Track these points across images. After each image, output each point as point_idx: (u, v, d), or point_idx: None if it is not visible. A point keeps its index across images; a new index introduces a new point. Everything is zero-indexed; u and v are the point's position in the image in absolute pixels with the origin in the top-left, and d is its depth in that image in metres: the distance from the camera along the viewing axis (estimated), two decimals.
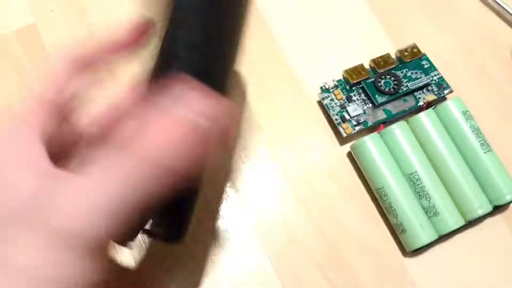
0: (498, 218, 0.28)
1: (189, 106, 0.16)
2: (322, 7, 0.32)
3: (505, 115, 0.31)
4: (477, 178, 0.27)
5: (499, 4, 0.33)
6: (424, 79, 0.29)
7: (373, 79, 0.29)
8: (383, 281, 0.27)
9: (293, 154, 0.29)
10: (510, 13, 0.33)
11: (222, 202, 0.28)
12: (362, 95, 0.29)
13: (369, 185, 0.28)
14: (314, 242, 0.27)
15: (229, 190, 0.28)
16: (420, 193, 0.27)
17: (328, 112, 0.29)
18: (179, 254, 0.26)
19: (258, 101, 0.30)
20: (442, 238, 0.27)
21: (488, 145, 0.27)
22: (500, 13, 0.33)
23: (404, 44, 0.30)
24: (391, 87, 0.29)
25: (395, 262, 0.27)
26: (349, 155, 0.29)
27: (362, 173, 0.28)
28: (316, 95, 0.30)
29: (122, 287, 0.23)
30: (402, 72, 0.29)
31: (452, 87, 0.30)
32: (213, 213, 0.27)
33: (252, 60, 0.31)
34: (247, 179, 0.28)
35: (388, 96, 0.29)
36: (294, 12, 0.32)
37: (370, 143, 0.27)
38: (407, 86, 0.29)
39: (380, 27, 0.32)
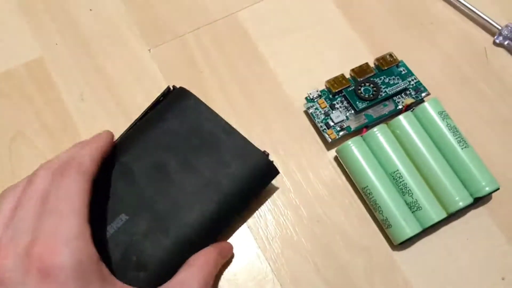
0: (481, 210, 0.30)
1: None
2: (303, 24, 0.35)
3: (481, 114, 0.33)
4: (456, 173, 0.29)
5: (470, 8, 0.35)
6: (401, 84, 0.31)
7: (353, 87, 0.31)
8: (374, 275, 0.28)
9: (283, 161, 0.31)
10: (481, 17, 0.35)
11: None
12: (344, 102, 0.31)
13: (355, 186, 0.30)
14: (308, 243, 0.29)
15: None
16: (403, 189, 0.28)
17: (314, 120, 0.31)
18: None
19: (249, 113, 0.32)
20: (429, 231, 0.29)
21: (465, 141, 0.29)
22: (472, 17, 0.35)
23: (381, 53, 0.33)
24: (370, 93, 0.31)
25: (385, 256, 0.29)
26: (336, 159, 0.31)
27: (348, 175, 0.30)
28: (302, 105, 0.32)
29: None
30: (380, 79, 0.32)
31: (430, 90, 0.32)
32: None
33: (243, 77, 0.33)
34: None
35: (368, 102, 0.31)
36: (278, 31, 0.35)
37: (354, 146, 0.29)
38: (385, 91, 0.31)
39: (357, 39, 0.34)
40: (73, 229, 0.20)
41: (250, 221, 0.29)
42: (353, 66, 0.32)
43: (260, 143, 0.31)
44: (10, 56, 0.33)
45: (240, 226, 0.29)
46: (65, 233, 0.19)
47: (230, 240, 0.29)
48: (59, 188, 0.21)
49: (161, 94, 0.28)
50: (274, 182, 0.30)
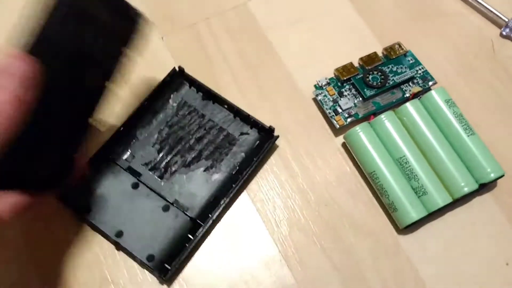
0: (486, 196, 0.31)
1: None
2: (313, 14, 0.36)
3: (487, 104, 0.33)
4: (462, 159, 0.29)
5: (477, 1, 0.35)
6: (409, 73, 0.32)
7: (361, 75, 0.32)
8: (380, 258, 0.29)
9: (293, 147, 0.32)
10: (488, 9, 0.35)
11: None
12: (353, 90, 0.32)
13: (362, 171, 0.31)
14: (315, 227, 0.30)
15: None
16: (409, 175, 0.29)
17: (322, 107, 0.32)
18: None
19: (259, 100, 0.33)
20: (434, 216, 0.29)
21: (471, 129, 0.30)
22: (479, 9, 0.36)
23: (389, 43, 0.33)
24: (378, 81, 0.32)
25: (390, 240, 0.29)
26: (343, 145, 0.32)
27: (355, 160, 0.31)
28: (311, 93, 0.33)
29: None
30: (388, 68, 0.32)
31: (436, 80, 0.32)
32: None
33: (252, 65, 0.34)
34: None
35: (376, 89, 0.31)
36: (288, 19, 0.35)
37: (361, 132, 0.30)
38: (393, 80, 0.32)
39: (366, 28, 0.35)
40: None
41: (259, 204, 0.30)
42: (361, 55, 0.33)
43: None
44: None
45: (249, 208, 0.30)
46: None
47: (238, 221, 0.30)
48: None
49: (167, 75, 0.30)
50: (282, 165, 0.31)
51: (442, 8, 0.36)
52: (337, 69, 0.32)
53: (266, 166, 0.31)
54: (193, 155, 0.31)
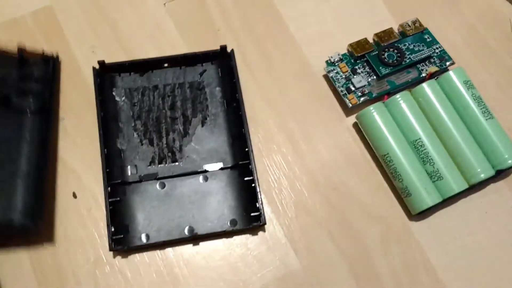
0: (501, 183, 0.29)
1: None
2: None
3: (504, 86, 0.32)
4: (479, 144, 0.28)
5: None
6: (426, 52, 0.30)
7: (376, 52, 0.30)
8: (391, 245, 0.28)
9: (300, 126, 0.30)
10: None
11: None
12: (367, 67, 0.30)
13: (374, 154, 0.29)
14: (323, 210, 0.28)
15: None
16: (424, 158, 0.28)
17: (334, 84, 0.30)
18: None
19: (267, 76, 0.31)
20: (446, 202, 0.28)
21: (489, 112, 0.28)
22: None
23: (404, 19, 0.31)
24: (394, 59, 0.30)
25: (401, 226, 0.28)
26: (354, 125, 0.30)
27: (367, 142, 0.29)
28: (321, 70, 0.31)
29: None
30: (404, 45, 0.30)
31: (453, 59, 0.31)
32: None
33: (261, 38, 0.32)
34: (258, 151, 0.29)
35: (391, 68, 0.30)
36: None
37: (375, 112, 0.28)
38: (409, 58, 0.30)
39: (381, 3, 0.33)
40: None
41: (264, 184, 0.28)
42: (375, 31, 0.31)
43: (277, 106, 0.30)
44: (18, 4, 0.31)
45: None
46: None
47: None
48: None
49: (94, 76, 0.29)
50: (291, 146, 0.29)
51: None
52: (350, 45, 0.30)
53: (273, 146, 0.29)
54: (182, 122, 0.29)
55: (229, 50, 0.30)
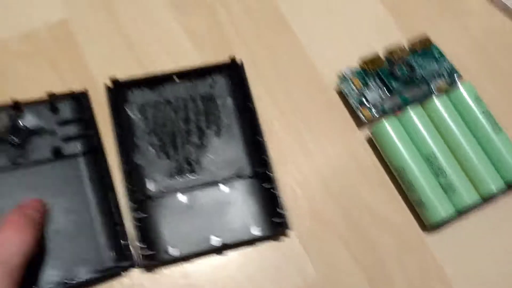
0: None
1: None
2: (336, 1, 0.34)
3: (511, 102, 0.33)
4: (489, 157, 0.29)
5: (503, 2, 0.35)
6: (436, 68, 0.31)
7: (388, 68, 0.31)
8: (405, 256, 0.28)
9: (314, 137, 0.30)
10: None
11: None
12: (379, 82, 0.31)
13: (388, 167, 0.30)
14: (338, 220, 0.29)
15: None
16: (437, 171, 0.28)
17: (347, 98, 0.30)
18: None
19: (279, 88, 0.31)
20: (459, 215, 0.29)
21: (498, 127, 0.29)
22: (504, 6, 0.35)
23: (414, 35, 0.32)
24: (406, 75, 0.31)
25: (415, 237, 0.29)
26: (367, 138, 0.31)
27: (380, 155, 0.30)
28: (333, 84, 0.32)
29: None
30: (415, 61, 0.31)
31: (462, 75, 0.32)
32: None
33: (272, 50, 0.32)
34: (272, 160, 0.29)
35: (403, 83, 0.30)
36: (309, 5, 0.34)
37: (389, 126, 0.29)
38: (420, 73, 0.31)
39: (390, 18, 0.34)
40: None
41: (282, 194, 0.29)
42: (385, 45, 0.32)
43: (289, 117, 0.31)
44: (33, 16, 0.32)
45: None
46: None
47: None
48: None
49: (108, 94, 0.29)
50: (304, 157, 0.30)
51: (468, 5, 0.35)
52: (363, 60, 0.31)
53: (287, 156, 0.30)
54: (196, 134, 0.29)
55: (240, 61, 0.30)
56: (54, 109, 0.29)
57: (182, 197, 0.28)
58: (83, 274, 0.25)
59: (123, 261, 0.26)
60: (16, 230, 0.22)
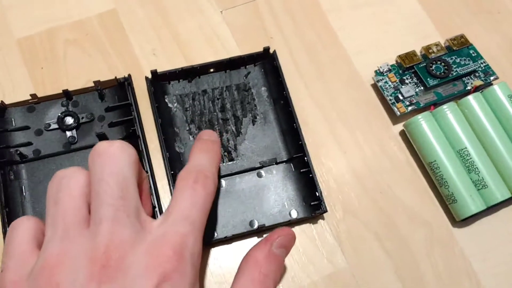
0: None
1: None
2: (375, 0, 0.35)
3: None
4: None
5: None
6: (471, 66, 0.32)
7: (425, 64, 0.31)
8: (435, 249, 0.29)
9: (349, 130, 0.31)
10: None
11: None
12: (414, 78, 0.31)
13: (420, 161, 0.30)
14: (369, 213, 0.29)
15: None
16: (469, 167, 0.29)
17: (383, 93, 0.31)
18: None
19: (317, 82, 0.32)
20: (490, 211, 0.29)
21: None
22: None
23: (450, 34, 0.33)
24: (441, 71, 0.31)
25: (445, 232, 0.29)
26: (401, 133, 0.31)
27: (413, 150, 0.30)
28: (369, 79, 0.32)
29: None
30: (451, 59, 0.32)
31: (497, 75, 0.32)
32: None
33: (312, 46, 0.33)
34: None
35: (439, 80, 0.31)
36: (349, 4, 0.35)
37: (423, 121, 0.29)
38: (456, 71, 0.31)
39: (427, 18, 0.35)
40: (198, 243, 0.20)
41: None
42: (422, 44, 0.32)
43: (325, 110, 0.32)
44: (86, 5, 0.33)
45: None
46: (191, 245, 0.19)
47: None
48: (197, 196, 0.20)
49: (148, 86, 0.30)
50: (339, 150, 0.31)
51: (502, 5, 0.36)
52: (399, 56, 0.32)
53: (321, 148, 0.31)
54: (233, 122, 0.31)
55: (276, 52, 0.31)
56: (101, 96, 0.30)
57: (221, 183, 0.29)
58: None
59: None
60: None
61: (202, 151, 0.23)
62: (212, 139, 0.25)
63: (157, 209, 0.27)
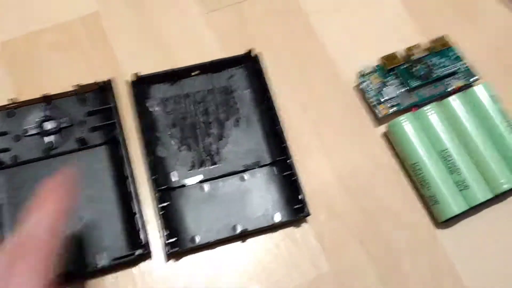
0: None
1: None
2: (357, 1, 0.35)
3: None
4: (503, 156, 0.29)
5: None
6: (452, 67, 0.32)
7: (406, 66, 0.32)
8: (418, 251, 0.29)
9: (332, 132, 0.31)
10: None
11: None
12: (397, 80, 0.32)
13: (403, 163, 0.30)
14: (352, 215, 0.29)
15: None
16: (451, 168, 0.29)
17: (365, 95, 0.31)
18: None
19: (298, 84, 0.32)
20: (472, 211, 0.29)
21: None
22: None
23: (432, 35, 0.33)
24: (423, 73, 0.31)
25: (427, 233, 0.29)
26: (384, 135, 0.31)
27: (396, 152, 0.31)
28: (352, 81, 0.32)
29: None
30: (431, 61, 0.32)
31: (479, 76, 0.32)
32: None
33: (293, 49, 0.33)
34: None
35: (420, 81, 0.31)
36: (330, 3, 0.35)
37: (406, 122, 0.29)
38: (437, 73, 0.32)
39: (409, 19, 0.35)
40: None
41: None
42: (403, 46, 0.32)
43: (307, 115, 0.32)
44: (68, 8, 0.33)
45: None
46: None
47: None
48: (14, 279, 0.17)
49: (131, 89, 0.30)
50: (323, 152, 0.31)
51: (484, 6, 0.36)
52: (382, 58, 0.32)
53: (304, 150, 0.31)
54: (216, 126, 0.30)
55: (259, 55, 0.31)
56: (82, 100, 0.30)
57: (204, 187, 0.29)
58: (103, 261, 0.26)
59: (140, 249, 0.26)
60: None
61: (32, 211, 0.19)
62: (50, 187, 0.20)
63: (137, 215, 0.27)
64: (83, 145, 0.29)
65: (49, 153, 0.29)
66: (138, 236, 0.27)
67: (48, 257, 0.18)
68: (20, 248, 0.18)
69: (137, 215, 0.27)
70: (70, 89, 0.30)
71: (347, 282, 0.28)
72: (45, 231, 0.19)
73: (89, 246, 0.27)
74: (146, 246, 0.26)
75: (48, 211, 0.19)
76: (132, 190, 0.27)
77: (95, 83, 0.30)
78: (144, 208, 0.28)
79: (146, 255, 0.27)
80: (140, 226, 0.27)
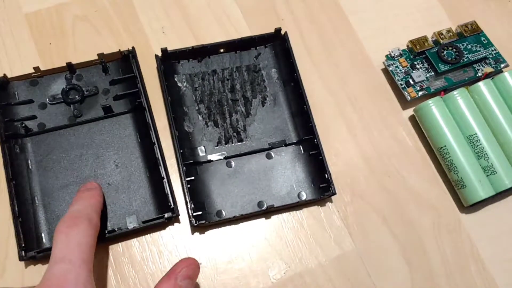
0: None
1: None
2: None
3: None
4: None
5: None
6: (482, 53, 0.32)
7: (436, 49, 0.31)
8: (442, 234, 0.29)
9: (358, 114, 0.31)
10: None
11: None
12: (425, 63, 0.31)
13: (429, 146, 0.30)
14: (377, 197, 0.29)
15: None
16: (479, 153, 0.29)
17: (393, 77, 0.31)
18: None
19: (326, 65, 0.32)
20: (498, 197, 0.29)
21: None
22: None
23: (461, 21, 0.33)
24: (452, 57, 0.31)
25: (453, 217, 0.29)
26: (411, 118, 0.31)
27: (422, 135, 0.30)
28: (380, 63, 0.32)
29: None
30: (462, 45, 0.32)
31: (508, 62, 0.32)
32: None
33: (323, 29, 0.33)
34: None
35: (450, 65, 0.31)
36: None
37: (434, 106, 0.29)
38: (467, 57, 0.31)
39: (438, 4, 0.34)
40: (81, 277, 0.21)
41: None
42: (433, 30, 0.32)
43: (335, 93, 0.31)
44: None
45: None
46: (73, 280, 0.21)
47: None
48: (71, 238, 0.22)
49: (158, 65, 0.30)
50: (348, 135, 0.31)
51: None
52: (411, 41, 0.32)
53: (331, 131, 0.30)
54: (243, 103, 0.30)
55: (288, 34, 0.31)
56: (105, 70, 0.30)
57: (230, 163, 0.29)
58: (131, 223, 0.27)
59: (168, 212, 0.27)
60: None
61: (77, 200, 0.25)
62: (88, 188, 0.26)
63: (165, 179, 0.27)
64: (108, 112, 0.29)
65: (75, 120, 0.29)
66: (166, 200, 0.27)
67: (92, 223, 0.24)
68: (75, 216, 0.23)
69: (165, 179, 0.27)
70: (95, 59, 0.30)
71: (371, 261, 0.28)
72: (91, 210, 0.24)
73: (117, 210, 0.27)
74: (174, 209, 0.27)
75: (90, 198, 0.25)
76: (159, 156, 0.27)
77: (119, 52, 0.29)
78: (172, 179, 0.28)
79: (175, 218, 0.27)
80: (168, 190, 0.27)
